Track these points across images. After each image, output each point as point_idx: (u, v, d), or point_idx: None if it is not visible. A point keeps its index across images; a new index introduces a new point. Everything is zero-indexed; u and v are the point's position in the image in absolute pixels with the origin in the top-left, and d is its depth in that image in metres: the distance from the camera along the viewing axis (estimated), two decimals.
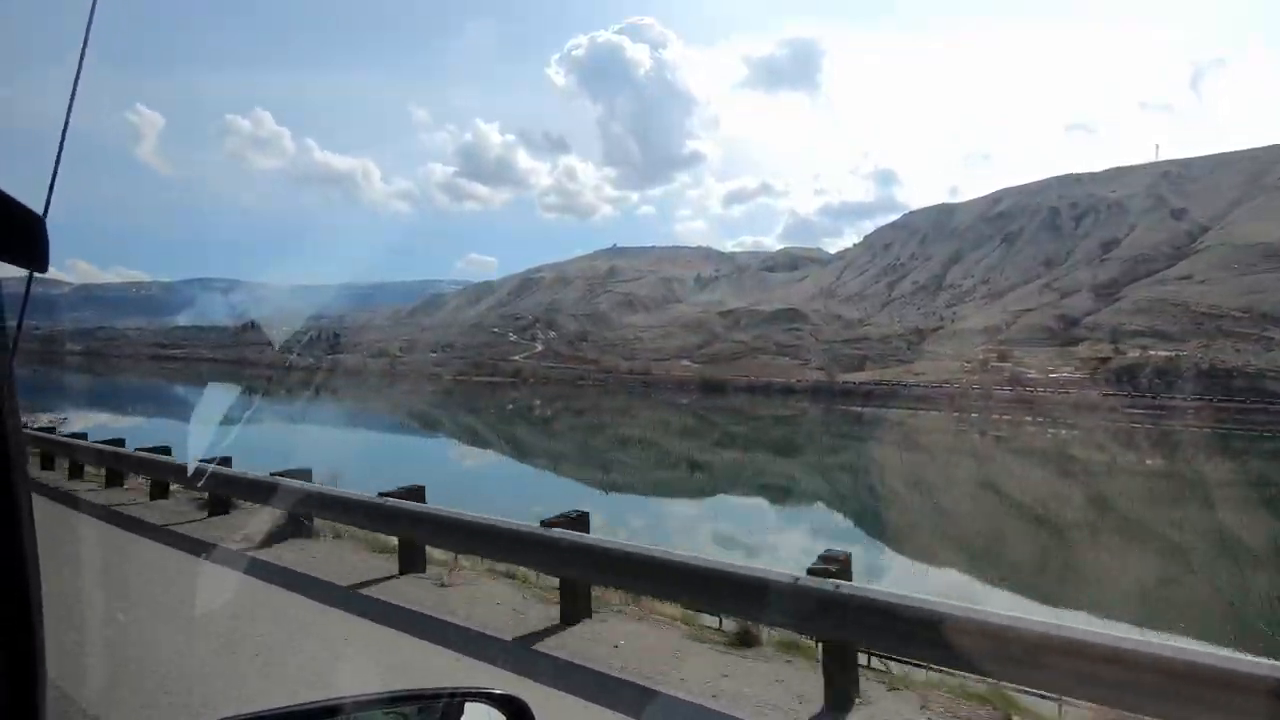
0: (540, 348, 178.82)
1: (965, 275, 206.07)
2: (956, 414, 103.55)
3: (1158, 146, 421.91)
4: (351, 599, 6.10)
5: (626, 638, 5.22)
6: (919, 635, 3.72)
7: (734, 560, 4.97)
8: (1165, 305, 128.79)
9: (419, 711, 1.04)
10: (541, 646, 5.08)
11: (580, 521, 5.71)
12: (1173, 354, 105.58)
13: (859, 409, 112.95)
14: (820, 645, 4.49)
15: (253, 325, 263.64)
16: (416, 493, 7.12)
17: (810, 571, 4.40)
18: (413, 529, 6.76)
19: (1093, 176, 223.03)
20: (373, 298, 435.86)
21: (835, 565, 4.39)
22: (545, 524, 5.67)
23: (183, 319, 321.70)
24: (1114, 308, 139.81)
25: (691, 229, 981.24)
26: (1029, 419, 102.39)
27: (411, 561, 6.91)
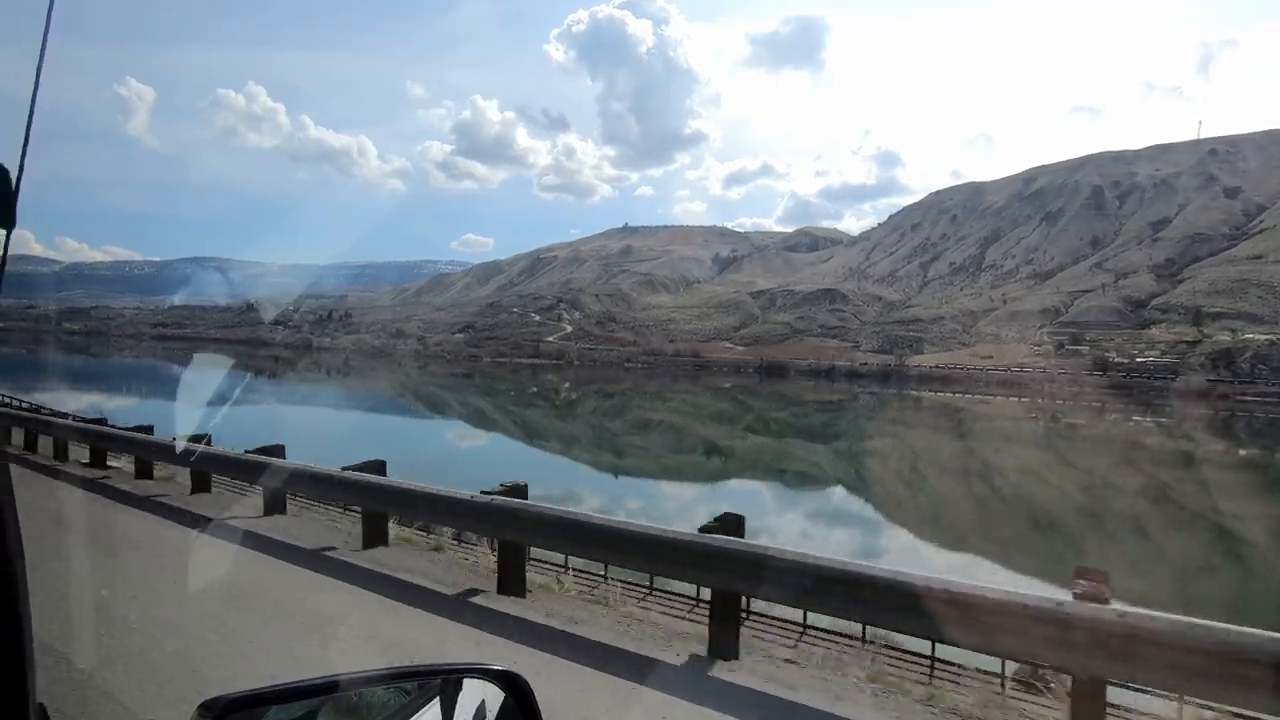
0: (569, 328, 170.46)
1: (1005, 255, 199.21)
2: (1059, 401, 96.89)
3: (1200, 123, 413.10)
4: None
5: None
6: (777, 578, 4.33)
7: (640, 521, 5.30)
8: (1247, 286, 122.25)
9: (417, 688, 1.03)
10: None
11: (519, 491, 6.15)
12: (1275, 338, 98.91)
13: (935, 394, 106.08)
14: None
15: (250, 307, 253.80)
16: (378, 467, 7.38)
17: (702, 529, 4.87)
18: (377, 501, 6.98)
19: (1134, 154, 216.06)
20: (370, 277, 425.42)
21: (725, 523, 4.94)
22: (485, 493, 6.04)
23: (179, 298, 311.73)
24: (1185, 288, 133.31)
25: (690, 210, 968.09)
26: (1127, 406, 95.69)
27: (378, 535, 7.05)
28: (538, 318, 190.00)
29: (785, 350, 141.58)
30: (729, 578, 4.51)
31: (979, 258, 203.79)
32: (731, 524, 4.87)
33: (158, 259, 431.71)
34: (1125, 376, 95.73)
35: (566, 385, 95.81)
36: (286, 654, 4.00)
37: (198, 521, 7.66)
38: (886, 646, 7.10)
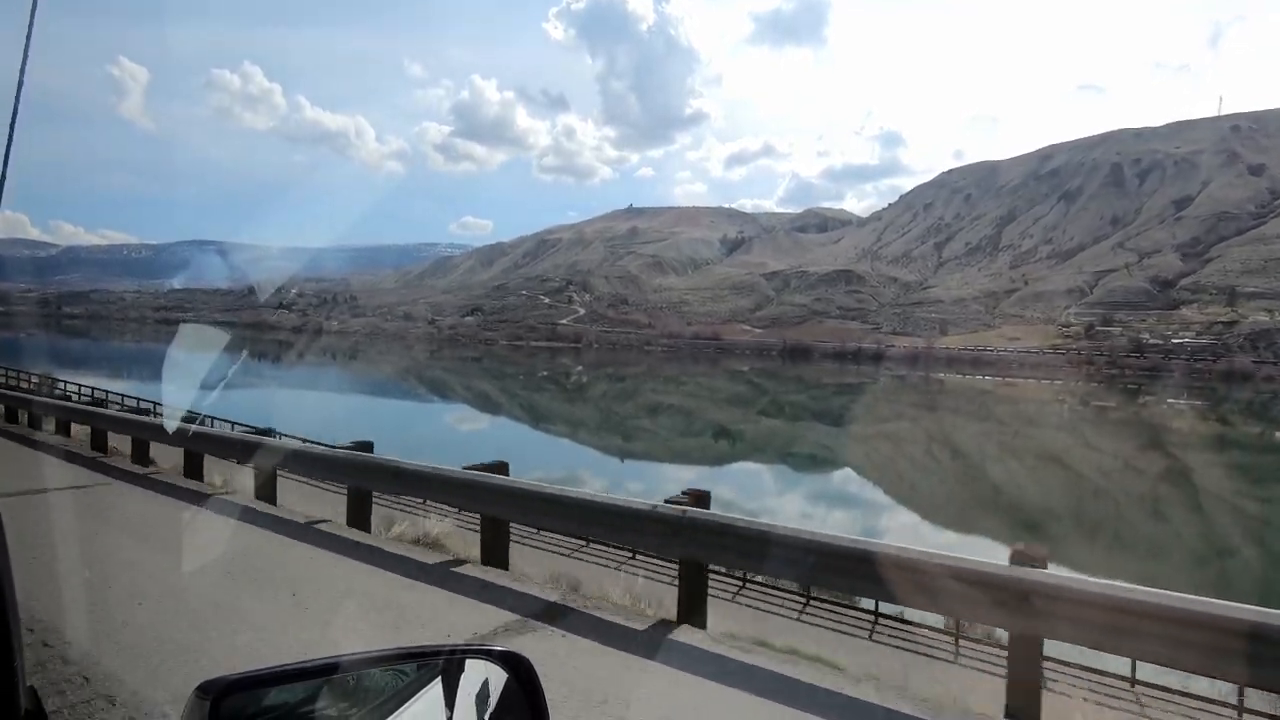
0: (581, 311, 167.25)
1: (1023, 235, 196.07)
2: (1094, 383, 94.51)
3: (1221, 99, 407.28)
4: None
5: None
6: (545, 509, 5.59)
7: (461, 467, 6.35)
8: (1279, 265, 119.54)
9: (418, 669, 1.01)
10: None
11: (366, 446, 7.44)
12: None
13: (963, 376, 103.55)
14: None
15: (252, 290, 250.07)
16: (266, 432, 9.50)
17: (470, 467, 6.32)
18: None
19: (1153, 132, 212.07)
20: (369, 259, 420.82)
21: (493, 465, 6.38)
22: (352, 445, 7.45)
23: (178, 281, 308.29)
24: (1215, 267, 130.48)
25: (691, 192, 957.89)
26: (1164, 388, 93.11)
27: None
28: (547, 300, 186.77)
29: (805, 332, 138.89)
30: (491, 506, 5.80)
31: (995, 238, 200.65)
32: (497, 467, 6.26)
33: (153, 242, 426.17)
34: (1164, 358, 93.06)
35: (583, 369, 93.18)
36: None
37: None
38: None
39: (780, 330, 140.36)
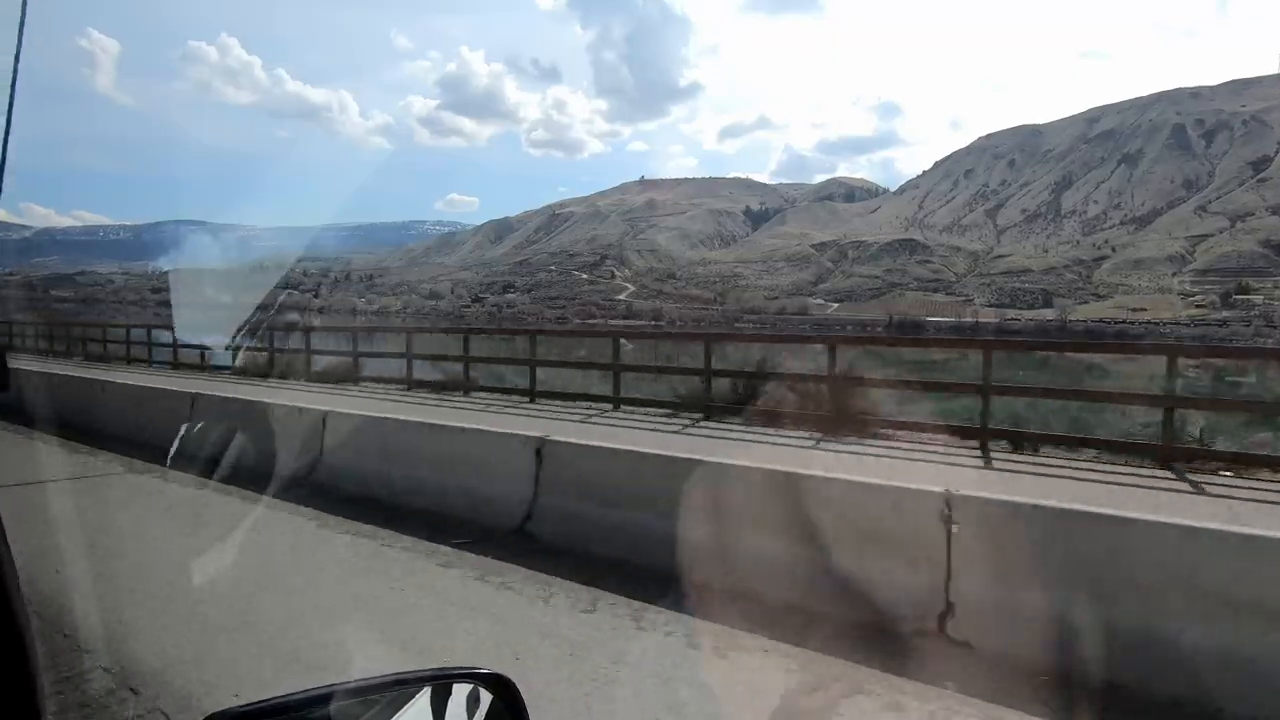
0: (631, 287, 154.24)
1: (1085, 201, 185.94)
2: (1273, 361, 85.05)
3: None
4: None
5: None
6: None
7: None
8: None
9: (408, 694, 1.02)
10: None
11: None
12: None
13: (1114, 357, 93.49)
14: None
15: (253, 270, 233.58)
16: None
17: None
18: None
19: (1212, 90, 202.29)
20: (363, 238, 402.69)
21: None
22: None
23: (166, 263, 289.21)
24: None
25: (682, 166, 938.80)
26: None
27: None
28: (586, 276, 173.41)
29: (887, 305, 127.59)
30: None
31: (1055, 203, 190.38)
32: None
33: (131, 223, 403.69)
34: None
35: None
36: None
37: None
38: None
39: (861, 303, 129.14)
